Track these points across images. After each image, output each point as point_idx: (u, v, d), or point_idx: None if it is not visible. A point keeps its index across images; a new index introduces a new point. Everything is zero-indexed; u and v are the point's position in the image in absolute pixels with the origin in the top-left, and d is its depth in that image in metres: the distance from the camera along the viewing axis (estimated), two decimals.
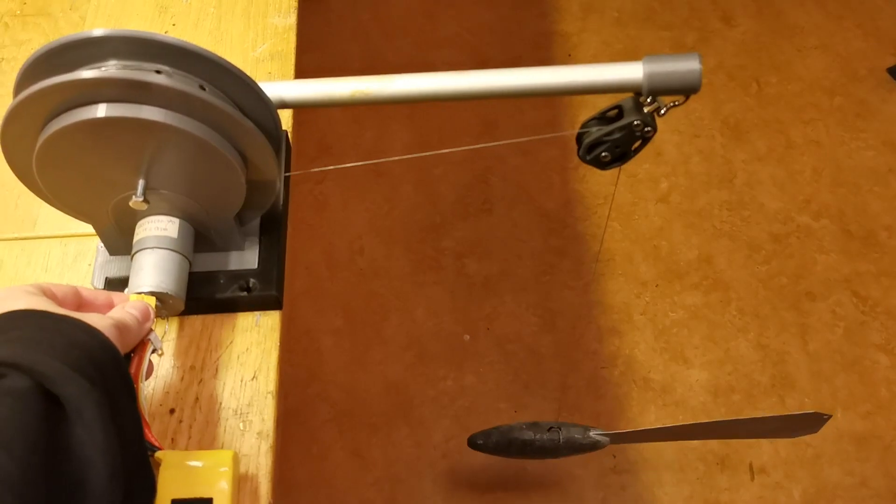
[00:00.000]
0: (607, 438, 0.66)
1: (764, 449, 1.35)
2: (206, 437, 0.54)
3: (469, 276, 1.51)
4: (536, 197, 1.60)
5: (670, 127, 1.67)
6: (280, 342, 0.58)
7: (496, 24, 1.81)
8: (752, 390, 1.40)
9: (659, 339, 1.45)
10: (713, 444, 1.35)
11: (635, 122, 0.54)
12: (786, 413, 0.68)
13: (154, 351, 0.51)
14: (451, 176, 1.62)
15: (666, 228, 1.56)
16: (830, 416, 0.63)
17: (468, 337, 1.45)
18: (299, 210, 1.55)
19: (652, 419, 1.37)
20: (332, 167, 0.55)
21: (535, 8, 1.85)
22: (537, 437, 0.68)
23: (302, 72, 1.81)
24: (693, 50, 1.77)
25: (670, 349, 1.44)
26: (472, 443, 0.72)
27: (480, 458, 1.33)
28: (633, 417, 1.37)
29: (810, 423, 0.65)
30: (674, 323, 1.46)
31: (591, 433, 0.66)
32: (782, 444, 1.35)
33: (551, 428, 0.67)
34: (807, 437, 1.35)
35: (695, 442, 1.35)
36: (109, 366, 0.42)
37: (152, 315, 0.51)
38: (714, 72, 1.75)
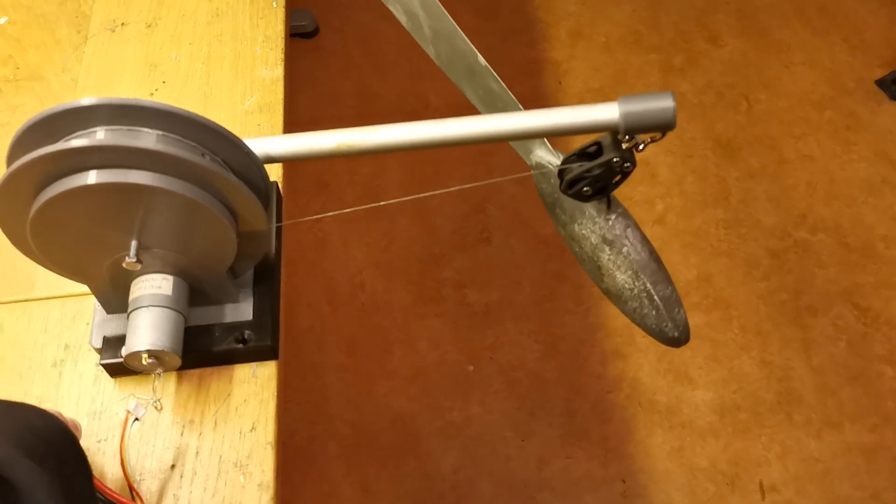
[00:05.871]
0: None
1: (773, 466, 1.34)
2: (206, 491, 0.54)
3: (470, 306, 1.52)
4: (533, 223, 1.61)
5: (663, 148, 1.68)
6: (277, 391, 0.59)
7: (486, 54, 1.81)
8: (758, 407, 1.40)
9: (662, 361, 1.45)
10: (722, 465, 1.34)
11: (614, 160, 0.55)
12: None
13: (136, 420, 0.53)
14: (448, 207, 1.63)
15: (664, 249, 1.57)
16: None
17: (472, 367, 1.45)
18: (299, 248, 1.56)
19: (659, 441, 1.37)
20: (318, 216, 0.56)
21: (524, 37, 1.88)
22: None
23: (296, 112, 1.84)
24: (682, 71, 1.79)
25: (674, 370, 1.44)
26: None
27: (489, 488, 1.34)
28: (642, 440, 1.37)
29: None
30: None
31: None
32: (792, 461, 1.34)
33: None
34: (815, 453, 1.35)
35: (704, 462, 1.35)
36: (65, 449, 0.43)
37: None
38: (703, 91, 1.77)
